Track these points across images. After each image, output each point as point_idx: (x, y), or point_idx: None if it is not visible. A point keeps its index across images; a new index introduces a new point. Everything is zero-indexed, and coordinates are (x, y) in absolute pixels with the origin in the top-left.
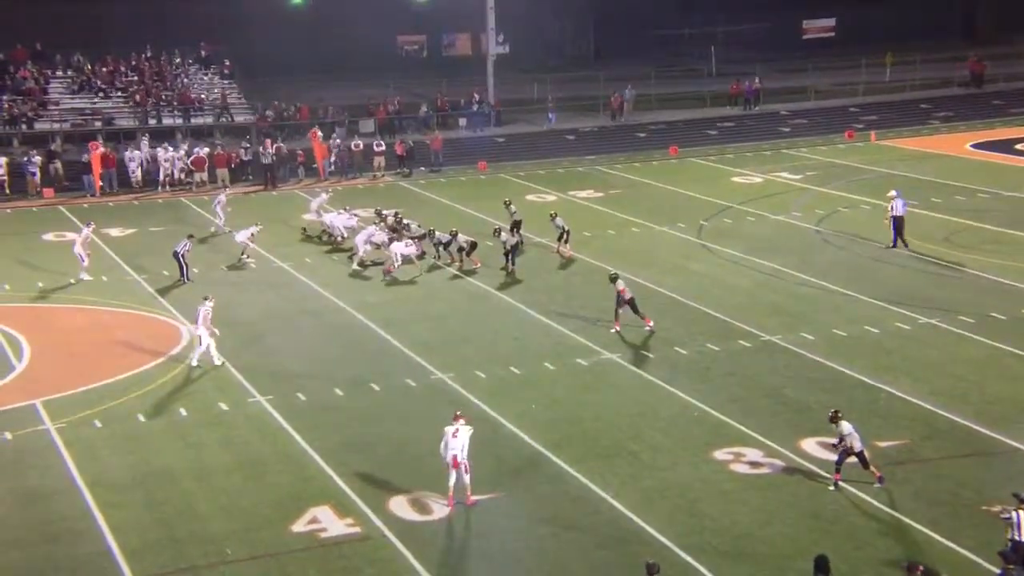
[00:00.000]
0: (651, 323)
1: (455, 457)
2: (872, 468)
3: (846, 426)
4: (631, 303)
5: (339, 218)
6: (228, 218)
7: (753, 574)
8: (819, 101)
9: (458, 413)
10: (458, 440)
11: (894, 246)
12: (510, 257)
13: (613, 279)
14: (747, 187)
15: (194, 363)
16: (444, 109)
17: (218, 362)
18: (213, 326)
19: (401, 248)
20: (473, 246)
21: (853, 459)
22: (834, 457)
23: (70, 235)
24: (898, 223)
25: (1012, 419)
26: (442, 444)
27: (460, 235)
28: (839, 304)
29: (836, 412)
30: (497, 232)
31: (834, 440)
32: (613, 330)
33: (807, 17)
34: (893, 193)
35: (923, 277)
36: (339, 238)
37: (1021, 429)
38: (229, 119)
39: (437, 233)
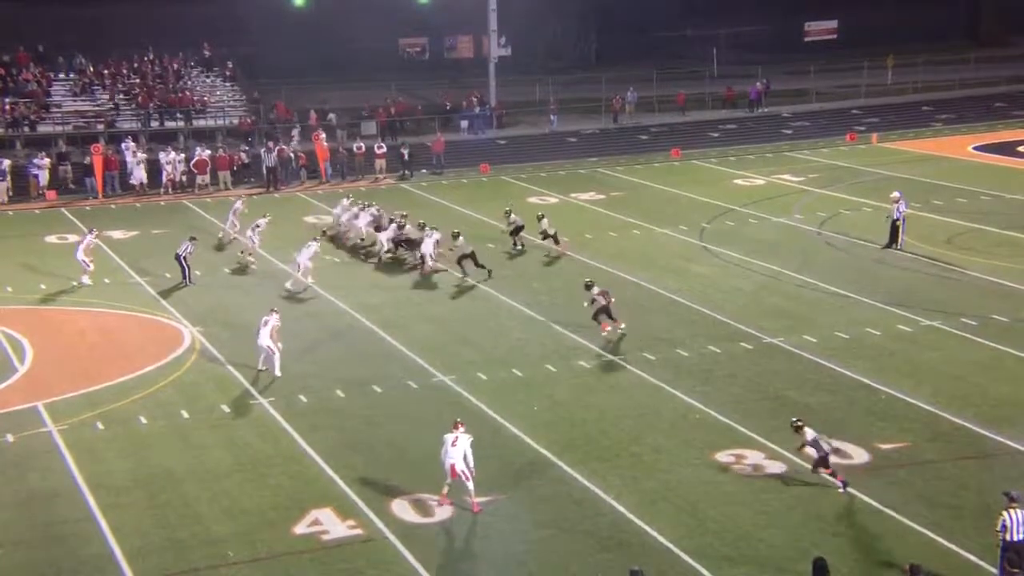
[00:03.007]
0: (623, 325)
1: (453, 466)
2: (835, 474)
3: (810, 433)
4: (606, 309)
5: (363, 218)
6: (241, 224)
7: None
8: (821, 103)
9: (458, 421)
10: (457, 449)
11: (889, 246)
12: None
13: (588, 286)
14: (749, 189)
15: (277, 372)
16: (499, 109)
17: (261, 367)
18: (278, 341)
19: (429, 248)
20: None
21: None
22: (834, 459)
23: (72, 237)
24: (900, 225)
25: (1014, 421)
26: (442, 451)
27: (461, 237)
28: (841, 306)
29: (798, 421)
30: (457, 235)
31: (824, 448)
32: (604, 332)
33: (809, 19)
34: (896, 195)
35: (925, 279)
36: (359, 240)
37: (1023, 431)
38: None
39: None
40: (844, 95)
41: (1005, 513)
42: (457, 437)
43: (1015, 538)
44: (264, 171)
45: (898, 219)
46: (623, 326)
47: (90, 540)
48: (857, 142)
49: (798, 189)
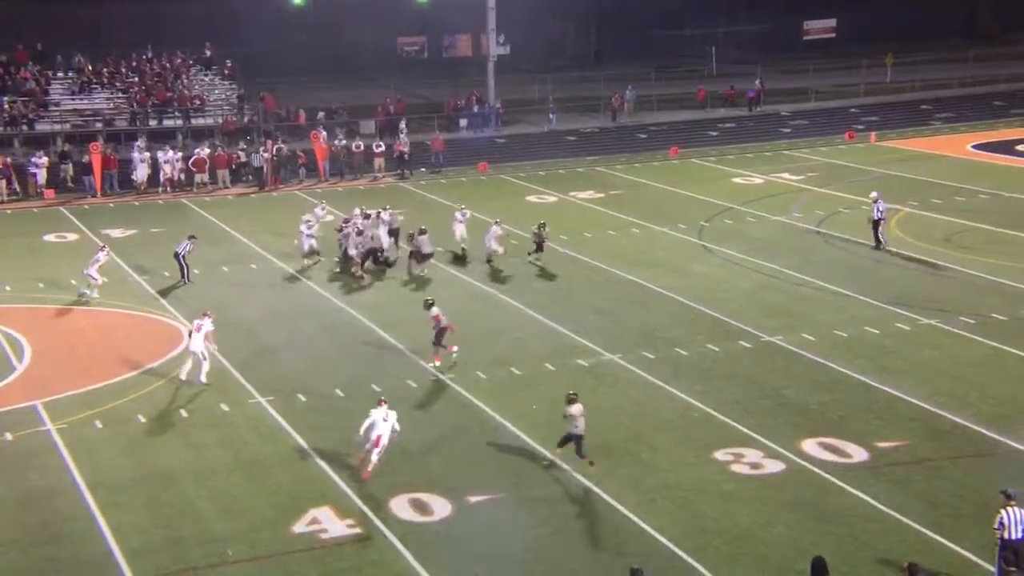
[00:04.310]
0: (455, 349)
1: (380, 437)
2: (585, 455)
3: (575, 409)
4: (441, 333)
5: (382, 228)
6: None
7: (753, 575)
8: (820, 102)
9: (382, 399)
10: (387, 424)
11: (877, 247)
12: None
13: (428, 305)
14: (748, 188)
15: (203, 380)
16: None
17: (184, 376)
18: (214, 342)
19: (492, 242)
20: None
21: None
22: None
23: (71, 236)
24: (876, 225)
25: (1013, 419)
26: (367, 424)
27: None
28: (840, 305)
29: (573, 394)
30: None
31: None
32: (431, 365)
33: (808, 18)
34: (875, 195)
35: (923, 278)
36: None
37: (1022, 429)
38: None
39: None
40: (843, 94)
41: (1003, 511)
42: (387, 413)
43: (1013, 536)
44: (262, 170)
45: (879, 219)
46: (455, 350)
47: (89, 539)
48: (856, 141)
49: (797, 188)
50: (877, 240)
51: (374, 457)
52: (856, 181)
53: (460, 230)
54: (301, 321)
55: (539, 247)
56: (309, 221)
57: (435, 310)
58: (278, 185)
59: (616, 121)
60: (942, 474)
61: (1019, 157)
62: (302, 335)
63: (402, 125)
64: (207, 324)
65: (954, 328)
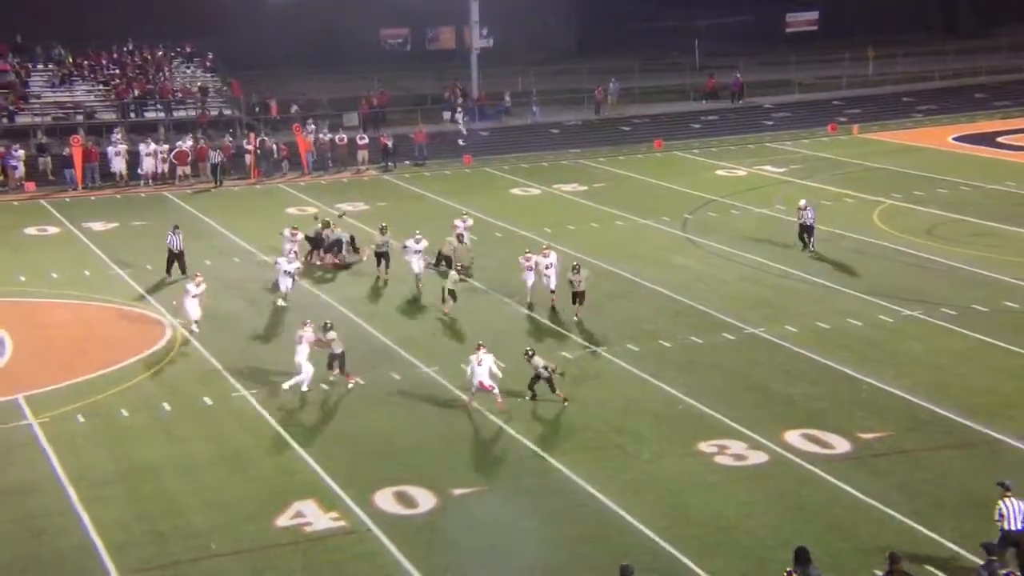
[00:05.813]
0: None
1: (481, 382)
2: (555, 390)
3: (536, 360)
4: (341, 358)
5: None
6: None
7: (737, 566)
8: (802, 94)
9: (480, 344)
10: (483, 368)
11: (805, 248)
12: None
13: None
14: (731, 180)
15: (305, 388)
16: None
17: (285, 386)
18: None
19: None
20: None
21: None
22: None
23: (52, 229)
24: (808, 231)
25: (994, 410)
26: (468, 371)
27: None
28: (822, 297)
29: (529, 350)
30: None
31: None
32: (351, 383)
33: (790, 10)
34: (803, 203)
35: (905, 269)
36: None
37: (1003, 420)
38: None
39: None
40: (825, 86)
41: (1001, 502)
42: (481, 358)
43: (1013, 527)
44: (245, 164)
45: (812, 224)
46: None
47: (71, 533)
48: (838, 133)
49: (779, 180)
50: (804, 243)
51: (470, 397)
52: (838, 174)
53: (530, 278)
54: (284, 314)
55: (577, 298)
56: (288, 250)
57: (332, 334)
58: (261, 178)
59: (599, 114)
60: (924, 465)
61: (1000, 149)
62: (285, 329)
63: (460, 114)
64: (307, 333)
65: (936, 320)
